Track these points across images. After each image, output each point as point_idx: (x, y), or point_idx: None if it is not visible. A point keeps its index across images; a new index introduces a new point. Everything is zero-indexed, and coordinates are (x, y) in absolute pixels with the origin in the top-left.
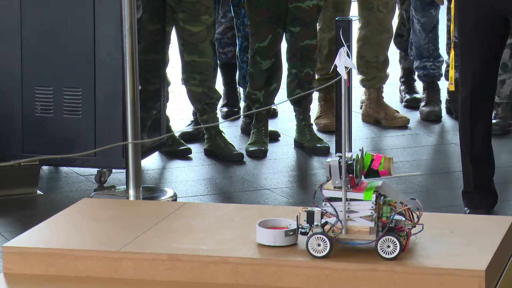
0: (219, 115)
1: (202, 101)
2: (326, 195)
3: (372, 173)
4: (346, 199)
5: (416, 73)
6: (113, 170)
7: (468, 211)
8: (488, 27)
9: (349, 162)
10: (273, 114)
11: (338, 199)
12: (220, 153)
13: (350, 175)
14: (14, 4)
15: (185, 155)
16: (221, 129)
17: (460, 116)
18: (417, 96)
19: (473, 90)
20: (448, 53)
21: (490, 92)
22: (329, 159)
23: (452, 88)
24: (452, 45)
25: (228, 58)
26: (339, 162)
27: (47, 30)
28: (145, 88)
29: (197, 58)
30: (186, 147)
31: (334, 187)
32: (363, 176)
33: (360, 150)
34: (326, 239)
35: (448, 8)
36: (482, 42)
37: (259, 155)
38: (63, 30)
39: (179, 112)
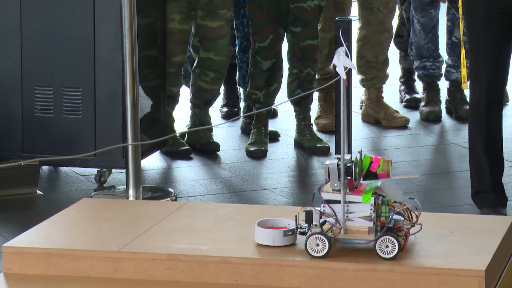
0: (219, 115)
1: (205, 98)
2: (325, 198)
3: (371, 175)
4: (345, 202)
5: (416, 73)
6: (113, 170)
7: (489, 212)
8: (498, 24)
9: (348, 165)
10: (273, 114)
11: (337, 202)
12: (198, 141)
13: (349, 177)
14: (14, 4)
15: (185, 156)
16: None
17: (473, 114)
18: (417, 96)
19: (489, 88)
20: (448, 53)
21: (502, 88)
22: (327, 162)
23: (466, 86)
24: (462, 44)
25: None
26: (338, 165)
27: (47, 30)
28: (141, 86)
29: (213, 56)
30: (186, 147)
31: (333, 190)
32: (361, 179)
33: (358, 152)
34: (325, 239)
35: (448, 8)
36: (493, 40)
37: (259, 155)
38: (63, 30)
39: (179, 112)
